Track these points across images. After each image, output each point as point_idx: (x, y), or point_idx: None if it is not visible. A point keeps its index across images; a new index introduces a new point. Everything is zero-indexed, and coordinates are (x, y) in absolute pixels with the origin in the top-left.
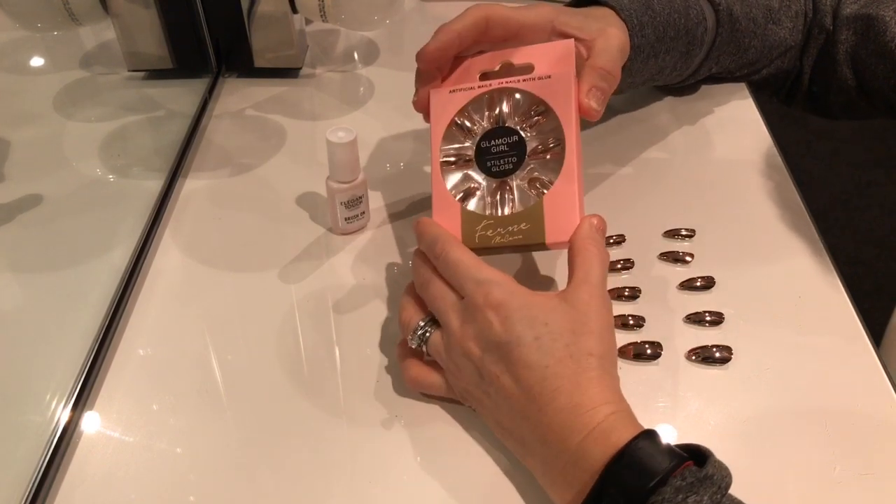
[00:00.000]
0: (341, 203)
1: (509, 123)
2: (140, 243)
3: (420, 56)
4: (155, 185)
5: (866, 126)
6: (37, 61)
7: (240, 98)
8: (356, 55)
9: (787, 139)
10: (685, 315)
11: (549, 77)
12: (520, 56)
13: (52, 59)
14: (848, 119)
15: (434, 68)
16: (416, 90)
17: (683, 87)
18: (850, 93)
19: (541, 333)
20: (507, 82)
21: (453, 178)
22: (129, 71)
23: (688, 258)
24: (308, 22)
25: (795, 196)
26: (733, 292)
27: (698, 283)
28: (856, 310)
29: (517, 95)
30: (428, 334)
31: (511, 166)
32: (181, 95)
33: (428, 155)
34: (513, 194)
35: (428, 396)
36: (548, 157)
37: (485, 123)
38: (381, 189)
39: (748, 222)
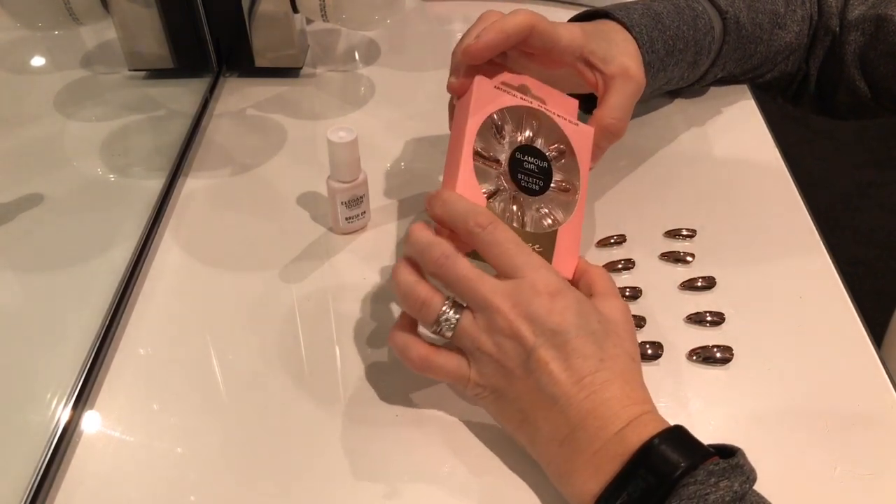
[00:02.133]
0: (342, 203)
1: (538, 146)
2: (141, 243)
3: (468, 52)
4: (155, 185)
5: (867, 126)
6: (37, 60)
7: (240, 98)
8: (357, 55)
9: (788, 139)
10: (686, 315)
11: (578, 125)
12: (537, 87)
13: (52, 58)
14: (855, 119)
15: (480, 64)
16: (457, 77)
17: (685, 88)
18: (858, 94)
19: (595, 329)
20: (550, 110)
21: (479, 175)
22: (129, 70)
23: (689, 258)
24: (309, 21)
25: (796, 196)
26: (734, 292)
27: (699, 284)
28: (856, 310)
29: (551, 125)
30: (459, 316)
31: (538, 188)
32: (182, 95)
33: (428, 155)
34: (528, 214)
35: (420, 394)
36: (563, 196)
37: (518, 135)
38: (381, 189)
39: (749, 222)
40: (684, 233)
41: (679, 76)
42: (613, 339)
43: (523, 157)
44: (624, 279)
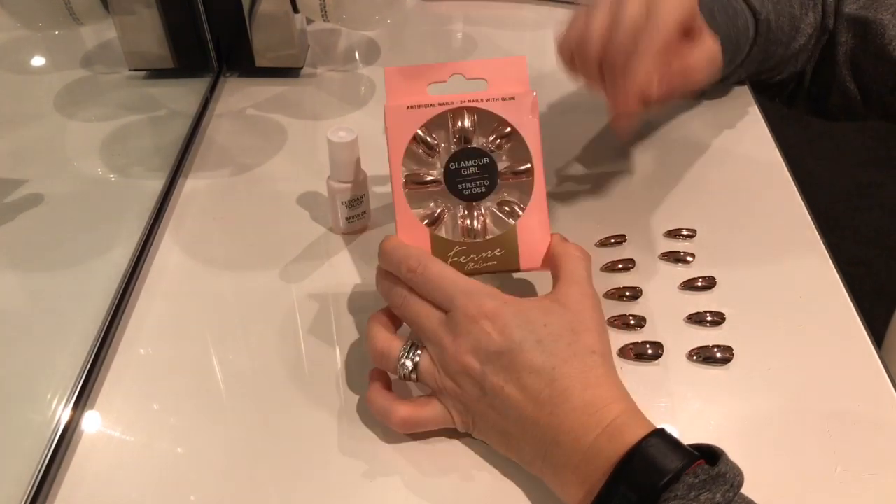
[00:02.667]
0: (342, 203)
1: (475, 143)
2: (141, 243)
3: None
4: (156, 185)
5: (867, 126)
6: (38, 60)
7: (241, 98)
8: (357, 55)
9: (789, 139)
10: (686, 315)
11: (514, 98)
12: (471, 70)
13: (52, 58)
14: (847, 121)
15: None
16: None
17: None
18: (849, 95)
19: (542, 336)
20: (470, 101)
21: (419, 201)
22: (130, 70)
23: (689, 258)
24: (309, 21)
25: (796, 196)
26: (734, 292)
27: (699, 283)
28: (857, 310)
29: (480, 115)
30: (417, 359)
31: (484, 189)
32: (182, 95)
33: None
34: (484, 218)
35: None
36: (516, 179)
37: (450, 143)
38: (382, 189)
39: (749, 222)
40: (684, 233)
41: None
42: (567, 338)
43: (458, 164)
44: (624, 279)
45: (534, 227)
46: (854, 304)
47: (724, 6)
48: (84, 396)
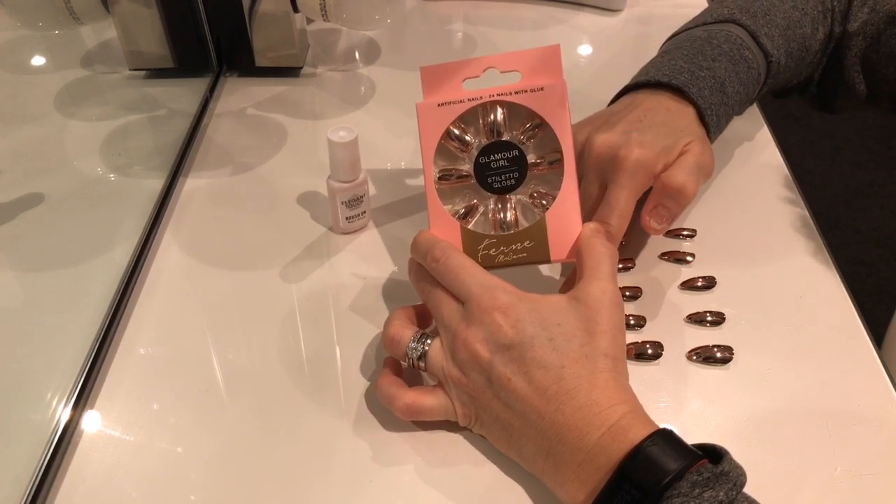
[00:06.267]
0: (342, 202)
1: (506, 136)
2: (141, 242)
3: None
4: (156, 184)
5: (867, 126)
6: (38, 60)
7: (241, 97)
8: (357, 54)
9: (789, 139)
10: (686, 315)
11: (542, 89)
12: (504, 62)
13: (53, 57)
14: (853, 112)
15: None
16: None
17: None
18: (857, 96)
19: (554, 334)
20: (499, 95)
21: (451, 196)
22: (130, 70)
23: (689, 258)
24: (309, 21)
25: (797, 196)
26: (734, 292)
27: (699, 283)
28: (857, 310)
29: (510, 108)
30: (426, 347)
31: (513, 182)
32: (182, 94)
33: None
34: (515, 211)
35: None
36: (546, 171)
37: (481, 137)
38: (382, 188)
39: (749, 222)
40: (685, 233)
41: (723, 127)
42: (580, 339)
43: (488, 158)
44: (624, 279)
45: (564, 219)
46: (854, 304)
47: (734, 64)
48: (84, 396)
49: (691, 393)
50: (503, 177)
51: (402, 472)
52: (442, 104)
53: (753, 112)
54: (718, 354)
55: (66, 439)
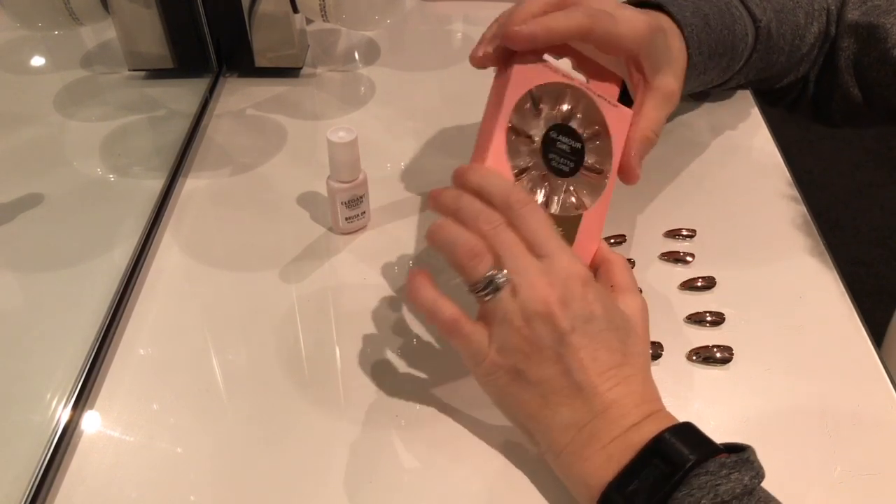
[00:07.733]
0: (342, 203)
1: (574, 126)
2: (140, 243)
3: (509, 36)
4: (155, 185)
5: None
6: (37, 60)
7: (240, 98)
8: (357, 55)
9: (788, 139)
10: (686, 315)
11: (617, 108)
12: (583, 63)
13: (52, 58)
14: (850, 127)
15: (518, 49)
16: (483, 50)
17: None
18: (852, 101)
19: (620, 325)
20: (590, 89)
21: (513, 151)
22: (129, 70)
23: (689, 258)
24: (309, 21)
25: (796, 196)
26: (734, 292)
27: (699, 284)
28: (857, 310)
29: (590, 105)
30: (503, 280)
31: (568, 169)
32: (182, 95)
33: (428, 155)
34: (555, 196)
35: (420, 395)
36: (592, 178)
37: (555, 113)
38: (381, 189)
39: (749, 222)
40: (684, 233)
41: (710, 80)
42: (633, 337)
43: (557, 136)
44: None
45: (592, 226)
46: (854, 304)
47: (720, 11)
48: (84, 396)
49: (691, 393)
50: (562, 160)
51: (402, 472)
52: (541, 61)
53: (754, 113)
54: (718, 355)
55: (65, 439)
